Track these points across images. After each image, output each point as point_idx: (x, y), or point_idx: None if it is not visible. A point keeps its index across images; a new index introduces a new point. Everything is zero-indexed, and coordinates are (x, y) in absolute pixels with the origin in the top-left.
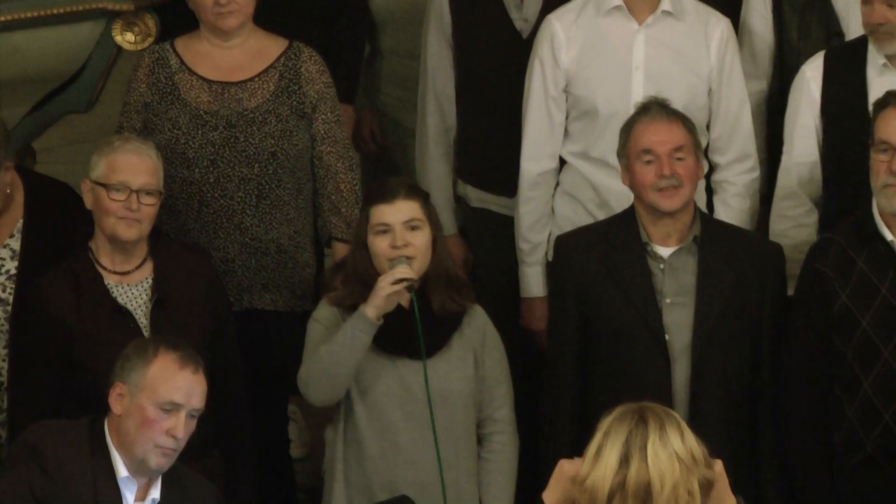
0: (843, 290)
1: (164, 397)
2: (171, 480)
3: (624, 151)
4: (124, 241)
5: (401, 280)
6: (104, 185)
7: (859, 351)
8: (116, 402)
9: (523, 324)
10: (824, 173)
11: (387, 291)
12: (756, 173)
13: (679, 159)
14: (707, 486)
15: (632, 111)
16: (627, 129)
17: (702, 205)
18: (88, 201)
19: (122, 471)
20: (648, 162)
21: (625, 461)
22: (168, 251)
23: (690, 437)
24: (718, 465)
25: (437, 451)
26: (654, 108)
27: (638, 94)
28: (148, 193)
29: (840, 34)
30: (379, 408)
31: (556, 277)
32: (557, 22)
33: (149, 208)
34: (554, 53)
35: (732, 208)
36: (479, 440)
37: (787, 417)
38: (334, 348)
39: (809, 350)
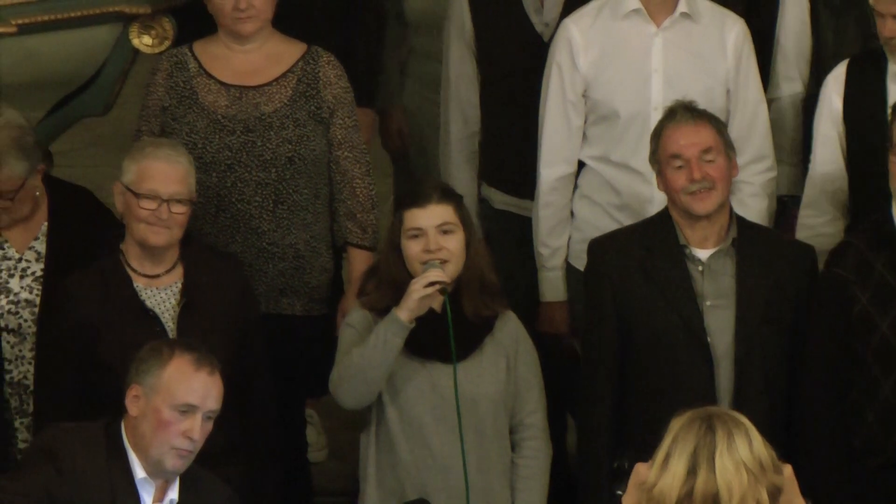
0: (862, 294)
1: (179, 399)
2: (189, 482)
3: (655, 158)
4: (153, 246)
5: (433, 283)
6: (134, 193)
7: (879, 354)
8: (132, 404)
9: (541, 329)
10: (850, 182)
11: (419, 294)
12: (773, 173)
13: (709, 161)
14: (776, 493)
15: (651, 114)
16: (657, 136)
17: None
18: (120, 204)
19: (139, 472)
20: (679, 167)
21: (692, 471)
22: (199, 257)
23: (759, 443)
24: (788, 469)
25: (463, 454)
26: (681, 112)
27: (657, 97)
28: (178, 202)
29: (876, 36)
30: (410, 411)
31: (592, 282)
32: (574, 26)
33: (179, 216)
34: (572, 57)
35: (750, 208)
36: (512, 445)
37: (807, 421)
38: (366, 351)
39: (828, 354)
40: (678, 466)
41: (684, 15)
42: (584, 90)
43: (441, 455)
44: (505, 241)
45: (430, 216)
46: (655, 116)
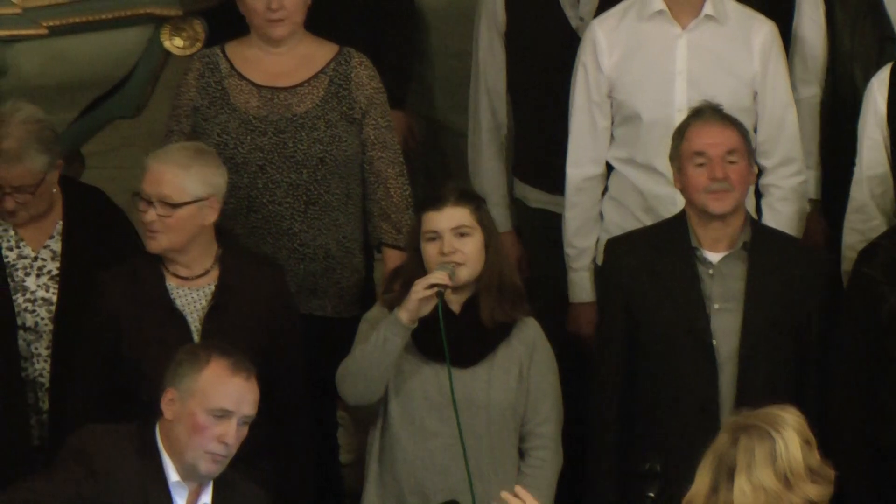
0: (891, 294)
1: (215, 404)
2: (223, 486)
3: (676, 154)
4: (154, 252)
5: (434, 285)
6: (136, 193)
7: None
8: (168, 407)
9: (570, 329)
10: (894, 184)
11: (419, 296)
12: (802, 177)
13: (731, 163)
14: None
15: (675, 116)
16: (680, 132)
17: (751, 208)
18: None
19: (172, 476)
20: (700, 164)
21: (714, 488)
22: (237, 260)
23: (787, 456)
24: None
25: (465, 458)
26: (708, 112)
27: (681, 100)
28: (163, 204)
29: (893, 38)
30: (414, 411)
31: (604, 281)
32: (599, 27)
33: (168, 220)
34: (597, 58)
35: (779, 212)
36: (521, 454)
37: (834, 421)
38: (367, 350)
39: (857, 354)
40: (704, 480)
41: (709, 17)
42: (609, 91)
43: (441, 456)
44: (541, 240)
45: (446, 219)
46: (679, 118)
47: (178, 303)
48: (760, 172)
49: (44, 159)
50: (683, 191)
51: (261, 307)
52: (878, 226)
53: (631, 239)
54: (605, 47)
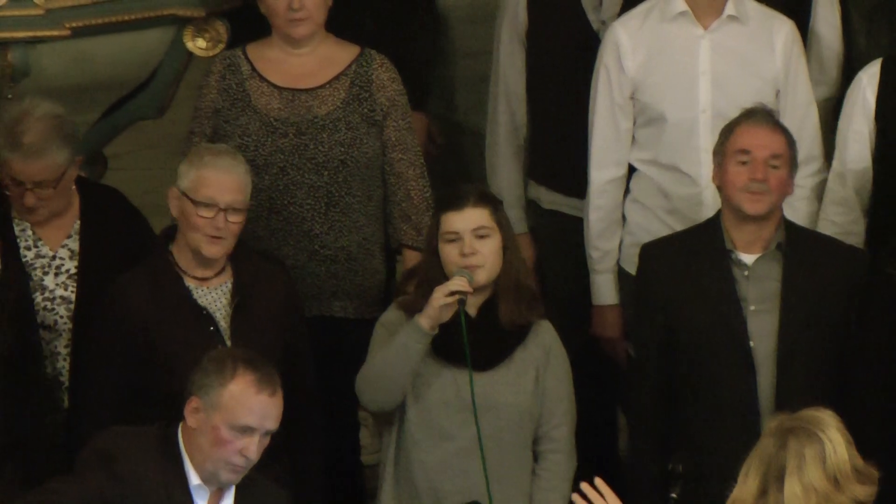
0: None
1: (239, 421)
2: (244, 488)
3: (721, 149)
4: (209, 259)
5: (455, 292)
6: (192, 201)
7: None
8: (191, 416)
9: (593, 332)
10: (875, 180)
11: (440, 303)
12: (822, 175)
13: (773, 167)
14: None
15: (699, 117)
16: (729, 129)
17: None
18: (175, 209)
19: (193, 479)
20: (743, 163)
21: (763, 491)
22: (247, 259)
23: (839, 456)
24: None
25: (483, 461)
26: (761, 114)
27: (705, 100)
28: (235, 211)
29: None
30: (432, 414)
31: (641, 286)
32: (622, 28)
33: (234, 226)
34: (619, 60)
35: (799, 211)
36: (536, 457)
37: (861, 420)
38: (388, 355)
39: (880, 353)
40: (752, 484)
41: (731, 17)
42: (632, 93)
43: (458, 459)
44: (554, 242)
45: (466, 220)
46: (704, 119)
47: (201, 302)
48: None
49: (64, 153)
50: (721, 187)
51: (276, 303)
52: (855, 220)
53: (666, 243)
54: (628, 49)
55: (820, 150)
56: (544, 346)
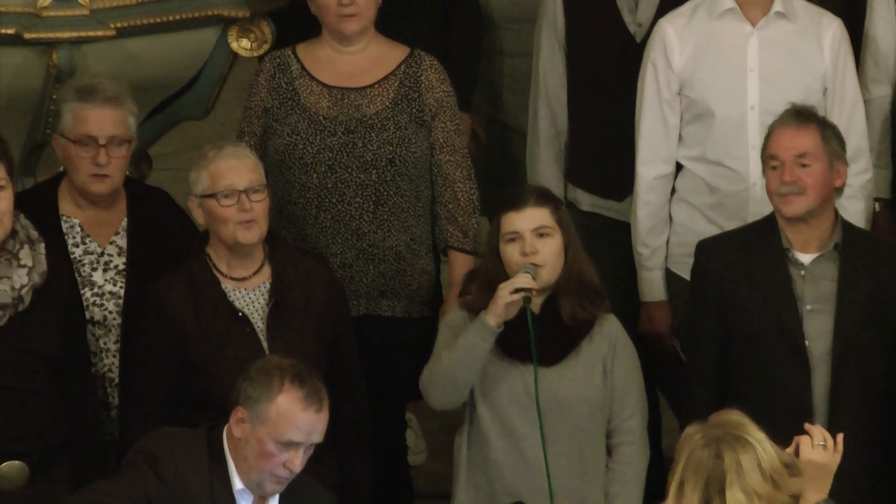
0: None
1: (285, 437)
2: (290, 490)
3: (762, 156)
4: (246, 244)
5: (520, 290)
6: (212, 196)
7: None
8: (237, 426)
9: (642, 329)
10: None
11: (505, 301)
12: (868, 174)
13: (804, 166)
14: (795, 499)
15: (748, 113)
16: (767, 135)
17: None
18: (199, 217)
19: (237, 483)
20: (774, 167)
21: (706, 502)
22: (286, 256)
23: (770, 456)
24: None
25: (545, 458)
26: (788, 115)
27: (753, 96)
28: (255, 191)
29: None
30: (502, 412)
31: (697, 282)
32: (669, 25)
33: (260, 205)
34: (666, 56)
35: (846, 210)
36: (609, 450)
37: None
38: (454, 354)
39: None
40: (693, 497)
41: (779, 14)
42: (680, 89)
43: (532, 457)
44: (593, 243)
45: (527, 219)
46: (752, 115)
47: (237, 304)
48: None
49: (134, 116)
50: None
51: (318, 300)
52: None
53: (722, 240)
54: (675, 45)
55: (866, 149)
56: (610, 339)
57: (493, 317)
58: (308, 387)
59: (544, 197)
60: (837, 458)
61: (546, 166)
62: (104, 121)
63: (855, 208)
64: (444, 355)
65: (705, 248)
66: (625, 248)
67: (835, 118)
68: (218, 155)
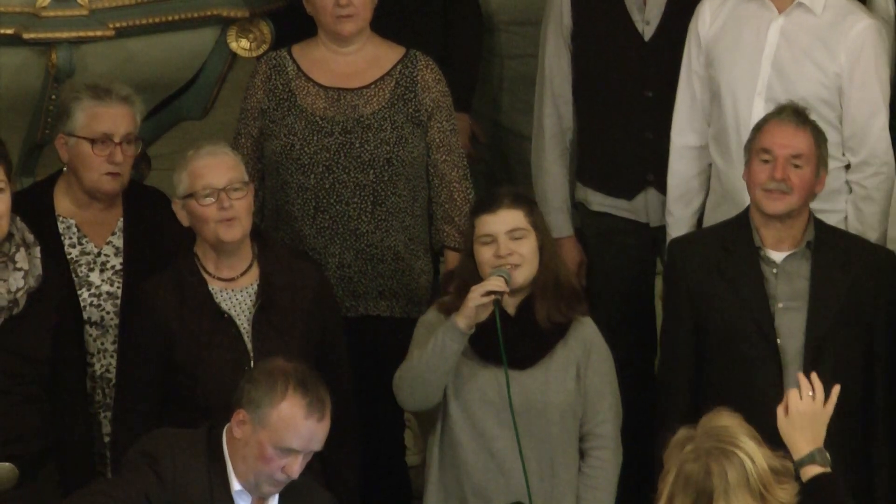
0: None
1: (285, 444)
2: (289, 491)
3: (749, 146)
4: (229, 243)
5: (491, 292)
6: (192, 196)
7: None
8: (238, 427)
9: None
10: None
11: (476, 303)
12: (883, 176)
13: (796, 166)
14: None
15: (754, 98)
16: (757, 126)
17: (842, 200)
18: (184, 219)
19: (235, 484)
20: (765, 161)
21: None
22: (276, 258)
23: (758, 462)
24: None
25: (522, 460)
26: (787, 112)
27: (762, 83)
28: (235, 189)
29: None
30: (474, 414)
31: (670, 280)
32: (707, 3)
33: (241, 202)
34: (698, 32)
35: (861, 211)
36: (581, 454)
37: (889, 420)
38: (425, 355)
39: None
40: None
41: (800, 5)
42: (706, 64)
43: (502, 458)
44: (603, 242)
45: (500, 222)
46: (758, 102)
47: (224, 306)
48: (847, 167)
49: (141, 116)
50: (747, 185)
51: (306, 301)
52: None
53: (695, 238)
54: (707, 20)
55: (885, 152)
56: (585, 343)
57: (463, 319)
58: (311, 395)
59: (518, 199)
60: (829, 407)
61: (552, 164)
62: (120, 119)
63: (871, 210)
64: (414, 357)
65: (679, 246)
66: (636, 249)
67: (850, 119)
68: (196, 155)
